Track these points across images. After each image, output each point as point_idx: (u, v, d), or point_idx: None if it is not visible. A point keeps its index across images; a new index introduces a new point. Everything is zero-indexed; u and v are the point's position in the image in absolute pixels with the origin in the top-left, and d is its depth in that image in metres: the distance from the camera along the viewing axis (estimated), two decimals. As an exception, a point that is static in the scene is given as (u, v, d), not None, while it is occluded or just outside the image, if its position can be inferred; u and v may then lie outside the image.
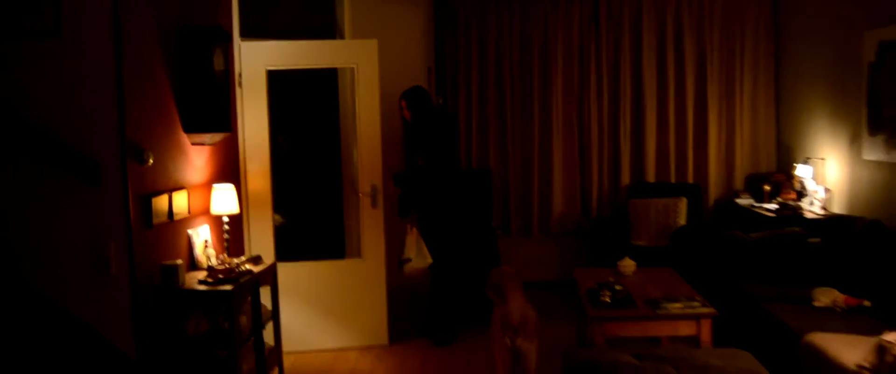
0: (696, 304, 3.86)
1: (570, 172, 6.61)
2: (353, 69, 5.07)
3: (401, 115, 5.29)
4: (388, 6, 5.56)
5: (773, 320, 4.02)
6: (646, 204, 6.17)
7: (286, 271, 4.77)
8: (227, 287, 3.58)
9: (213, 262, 3.90)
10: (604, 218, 6.50)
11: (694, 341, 3.81)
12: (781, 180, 5.90)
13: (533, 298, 4.23)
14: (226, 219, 4.08)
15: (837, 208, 5.30)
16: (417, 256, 5.03)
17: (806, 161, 5.65)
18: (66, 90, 3.25)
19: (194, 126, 3.90)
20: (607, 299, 3.89)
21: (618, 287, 3.98)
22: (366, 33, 5.53)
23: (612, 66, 6.52)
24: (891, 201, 4.62)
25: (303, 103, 5.42)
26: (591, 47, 6.50)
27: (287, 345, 4.70)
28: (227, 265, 3.80)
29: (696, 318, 3.79)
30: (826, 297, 4.20)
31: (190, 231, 3.91)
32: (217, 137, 4.13)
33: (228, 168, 4.44)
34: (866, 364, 2.95)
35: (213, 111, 3.99)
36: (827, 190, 5.36)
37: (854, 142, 5.05)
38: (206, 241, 4.01)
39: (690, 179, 6.52)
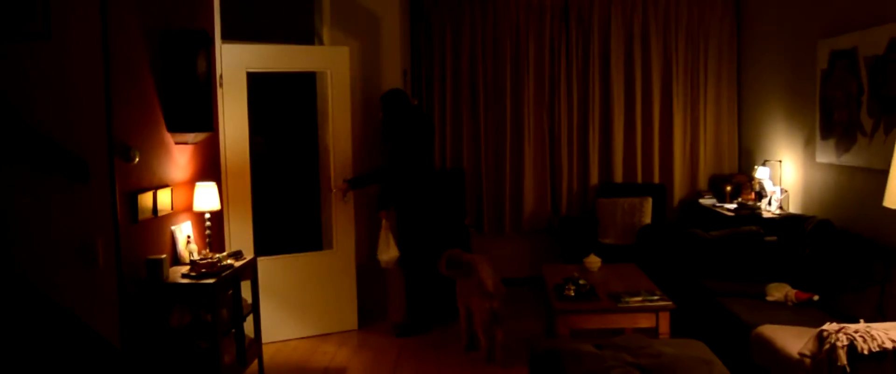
0: (655, 298, 4.09)
1: (540, 172, 6.83)
2: (326, 73, 5.29)
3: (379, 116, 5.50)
4: (365, 11, 5.72)
5: (726, 313, 4.27)
6: (613, 203, 6.41)
7: (264, 264, 4.94)
8: (210, 281, 3.73)
9: (196, 257, 4.05)
10: (573, 217, 6.74)
11: (653, 332, 4.04)
12: (742, 182, 6.16)
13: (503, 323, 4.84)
14: (207, 215, 4.23)
15: (794, 208, 5.56)
16: (387, 248, 5.28)
17: (764, 163, 5.92)
18: (55, 91, 3.38)
19: (178, 126, 4.05)
20: (572, 293, 4.11)
21: (582, 282, 4.20)
22: (344, 37, 5.70)
23: (581, 71, 6.75)
24: (840, 201, 4.89)
25: (284, 104, 5.59)
26: (562, 52, 6.72)
27: (266, 335, 4.87)
28: (210, 260, 3.96)
29: (655, 311, 4.03)
30: (778, 292, 4.46)
31: (173, 227, 4.06)
32: (200, 136, 4.28)
33: (210, 166, 4.58)
34: (807, 352, 3.19)
35: (195, 111, 4.13)
36: (783, 191, 5.63)
37: (808, 145, 5.32)
38: (188, 237, 4.16)
39: (656, 180, 6.77)
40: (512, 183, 6.83)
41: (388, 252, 5.29)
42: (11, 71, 3.35)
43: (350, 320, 5.52)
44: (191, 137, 4.19)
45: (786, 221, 5.27)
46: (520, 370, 4.50)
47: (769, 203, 5.66)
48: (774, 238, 5.09)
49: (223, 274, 3.85)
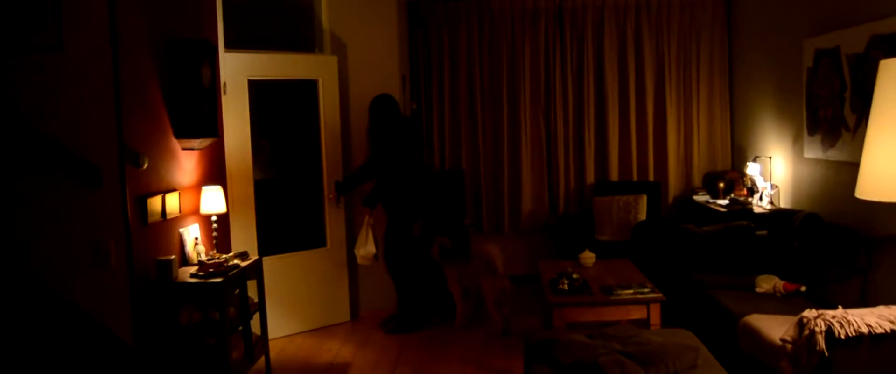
0: (646, 290, 4.24)
1: (537, 172, 6.99)
2: (318, 81, 5.60)
3: None
4: (363, 18, 5.89)
5: (716, 304, 4.41)
6: (608, 201, 6.56)
7: (267, 263, 5.12)
8: (217, 280, 3.89)
9: (204, 258, 4.22)
10: (570, 215, 6.89)
11: (645, 323, 4.19)
12: (735, 178, 6.31)
13: (509, 299, 5.46)
14: (214, 218, 4.39)
15: (784, 203, 5.71)
16: (364, 244, 5.50)
17: (755, 160, 6.06)
18: (68, 100, 3.54)
19: (184, 132, 4.22)
20: (566, 287, 4.27)
21: (575, 276, 4.35)
22: (343, 45, 5.87)
23: (576, 73, 6.91)
24: (827, 195, 5.03)
25: (288, 109, 5.78)
26: (556, 55, 6.88)
27: (270, 331, 5.05)
28: (217, 260, 4.12)
29: (646, 303, 4.17)
30: (767, 283, 4.60)
31: (181, 229, 4.22)
32: (206, 142, 4.45)
33: (215, 171, 4.75)
34: (788, 338, 3.33)
35: (201, 118, 4.30)
36: (774, 186, 5.77)
37: (796, 141, 5.47)
38: (196, 238, 4.32)
39: (651, 178, 6.92)
40: (510, 183, 6.99)
41: (366, 248, 5.52)
42: (26, 82, 3.51)
43: (344, 312, 5.89)
44: (197, 142, 4.36)
45: (776, 215, 5.41)
46: (517, 362, 4.65)
47: (760, 198, 5.81)
48: (765, 233, 5.23)
49: (230, 274, 4.02)
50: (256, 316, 4.59)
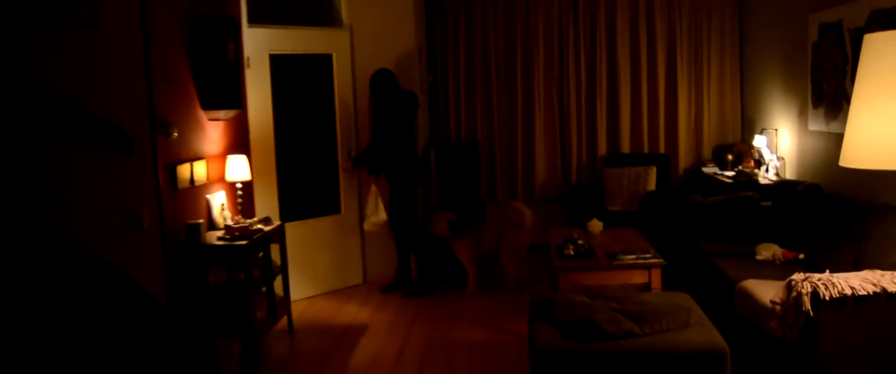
0: (647, 255, 4.44)
1: (551, 143, 7.18)
2: (333, 55, 5.88)
3: None
4: (381, -7, 6.09)
5: (717, 270, 4.61)
6: (619, 173, 6.74)
7: (288, 228, 5.38)
8: (243, 243, 4.15)
9: (230, 222, 4.48)
10: (582, 185, 7.08)
11: (646, 287, 4.39)
12: (744, 150, 6.45)
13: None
14: (239, 185, 4.65)
15: (789, 175, 5.86)
16: (375, 212, 5.76)
17: (762, 132, 6.20)
18: (102, 74, 3.81)
19: (210, 104, 4.47)
20: (571, 252, 4.48)
21: (581, 242, 4.56)
22: (361, 19, 6.07)
23: (588, 45, 7.06)
24: (829, 166, 5.17)
25: (307, 82, 6.02)
26: (570, 28, 7.03)
27: (291, 293, 5.34)
28: (242, 225, 4.38)
29: (648, 268, 4.38)
30: (767, 251, 4.78)
31: (208, 196, 4.48)
32: (230, 113, 4.69)
33: (240, 140, 5.00)
34: (777, 300, 3.53)
35: (226, 91, 4.54)
36: (780, 158, 5.92)
37: (801, 114, 5.60)
38: (222, 204, 4.58)
39: (662, 150, 7.08)
40: (524, 154, 7.19)
41: (377, 215, 5.80)
42: (63, 57, 3.78)
43: (357, 276, 6.24)
44: (222, 114, 4.60)
45: (780, 186, 5.57)
46: (526, 325, 4.89)
47: (766, 170, 5.96)
48: (769, 203, 5.40)
49: (255, 237, 4.28)
50: (279, 279, 4.86)
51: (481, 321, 5.12)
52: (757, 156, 6.19)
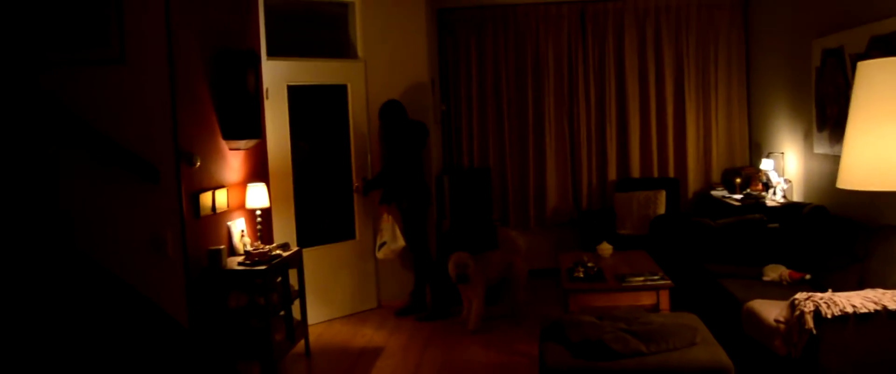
0: (655, 277, 4.55)
1: (562, 169, 7.32)
2: (348, 86, 6.11)
3: None
4: (394, 25, 6.27)
5: (724, 291, 4.70)
6: (629, 197, 6.86)
7: (305, 254, 5.56)
8: (262, 268, 4.30)
9: (249, 248, 4.63)
10: (593, 210, 7.20)
11: (655, 309, 4.49)
12: (751, 174, 6.56)
13: (528, 284, 5.99)
14: (258, 212, 4.81)
15: (797, 197, 5.95)
16: (393, 240, 5.89)
17: (769, 155, 6.31)
18: (130, 106, 4.00)
19: (231, 134, 4.65)
20: (581, 275, 4.60)
21: (590, 265, 4.68)
22: (375, 50, 6.27)
23: (598, 74, 7.23)
24: (834, 189, 5.26)
25: (324, 112, 6.21)
26: (579, 57, 7.20)
27: (308, 317, 5.47)
28: (261, 251, 4.53)
29: (656, 289, 4.49)
30: (774, 272, 4.87)
31: (229, 223, 4.64)
32: (251, 143, 4.87)
33: (259, 169, 5.17)
34: (781, 319, 3.63)
35: (246, 121, 4.72)
36: (787, 181, 6.01)
37: (807, 138, 5.71)
38: (242, 231, 4.74)
39: (671, 174, 7.20)
40: (535, 180, 7.33)
41: (396, 243, 5.92)
42: (93, 91, 3.98)
43: (372, 300, 6.38)
44: (242, 143, 4.78)
45: (787, 208, 5.66)
46: (537, 346, 4.99)
47: (774, 193, 6.05)
48: (777, 225, 5.49)
49: (273, 263, 4.42)
50: (296, 303, 5.00)
51: (494, 343, 5.22)
52: (765, 179, 6.29)
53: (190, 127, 4.20)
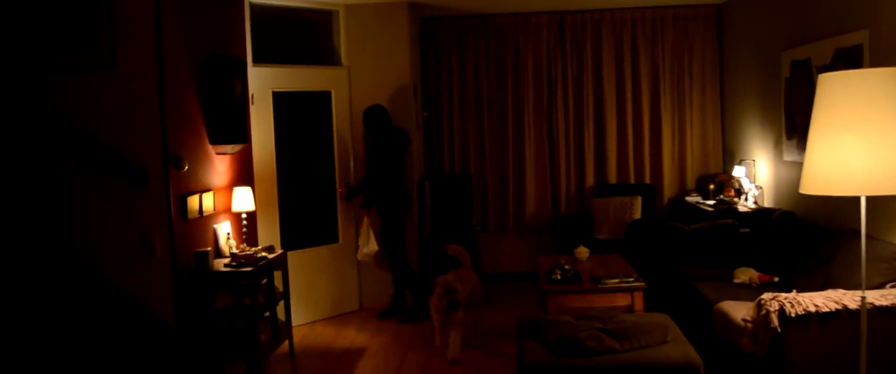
0: (630, 280, 4.71)
1: (541, 175, 7.47)
2: (332, 92, 6.24)
3: None
4: (377, 33, 6.40)
5: (696, 293, 4.87)
6: (606, 202, 7.03)
7: (289, 256, 5.65)
8: (248, 269, 4.40)
9: (235, 251, 4.73)
10: (570, 215, 7.36)
11: (629, 309, 4.65)
12: (724, 180, 6.75)
13: (508, 287, 6.42)
14: (244, 215, 4.91)
15: (767, 203, 6.15)
16: (366, 243, 6.04)
17: (741, 162, 6.51)
18: (119, 111, 4.09)
19: (218, 139, 4.75)
20: (558, 277, 4.74)
21: (567, 267, 4.83)
22: (358, 58, 6.40)
23: (576, 82, 7.40)
24: (802, 195, 5.45)
25: (308, 118, 6.32)
26: (558, 66, 7.37)
27: (292, 318, 5.57)
28: (247, 253, 4.63)
29: (630, 291, 4.64)
30: (744, 275, 5.04)
31: (215, 225, 4.74)
32: (236, 147, 4.98)
33: (245, 173, 5.27)
34: (748, 318, 3.80)
35: (233, 126, 4.83)
36: (759, 187, 6.21)
37: (777, 145, 5.92)
38: (227, 233, 4.84)
39: (647, 180, 7.38)
40: (515, 185, 7.48)
41: (368, 246, 6.04)
42: (83, 95, 4.07)
43: (354, 302, 6.50)
44: (229, 148, 4.88)
45: (758, 214, 5.85)
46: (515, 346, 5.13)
47: (746, 199, 6.25)
48: (748, 230, 5.68)
49: (259, 264, 4.52)
50: (281, 304, 5.10)
51: (476, 344, 5.35)
52: (737, 185, 6.49)
53: (178, 131, 4.30)
